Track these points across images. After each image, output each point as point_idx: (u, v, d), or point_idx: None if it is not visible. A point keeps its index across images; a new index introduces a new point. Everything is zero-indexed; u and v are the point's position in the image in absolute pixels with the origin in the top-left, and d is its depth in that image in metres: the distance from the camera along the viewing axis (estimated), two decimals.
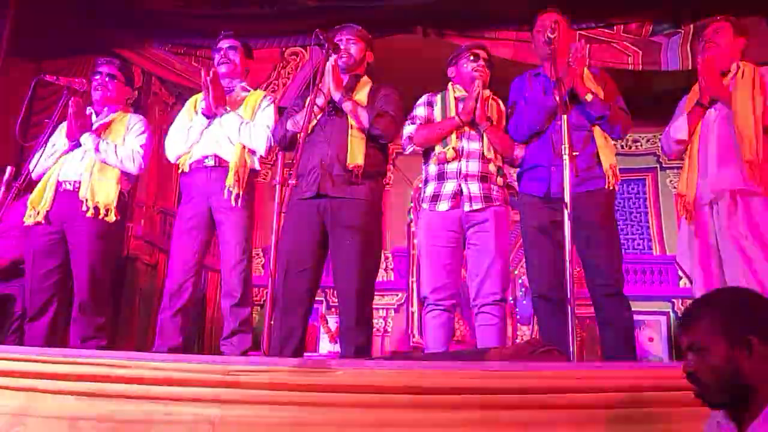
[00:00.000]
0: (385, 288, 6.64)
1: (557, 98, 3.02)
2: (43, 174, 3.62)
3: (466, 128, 3.32)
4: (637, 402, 2.09)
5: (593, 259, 3.11)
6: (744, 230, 2.97)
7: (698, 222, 3.17)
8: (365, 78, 3.44)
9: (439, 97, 3.49)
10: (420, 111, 3.49)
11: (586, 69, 3.30)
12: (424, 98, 3.53)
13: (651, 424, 2.06)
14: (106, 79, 3.76)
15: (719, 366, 1.54)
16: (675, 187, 5.49)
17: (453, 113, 3.37)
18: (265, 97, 3.66)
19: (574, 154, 2.75)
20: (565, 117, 2.77)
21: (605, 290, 3.07)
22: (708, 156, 3.15)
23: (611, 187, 3.15)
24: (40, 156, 3.49)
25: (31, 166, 3.38)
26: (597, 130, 3.21)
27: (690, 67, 4.24)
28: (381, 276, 5.58)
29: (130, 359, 2.35)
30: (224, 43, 3.65)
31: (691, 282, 3.28)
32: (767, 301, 1.62)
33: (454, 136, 3.31)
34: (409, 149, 3.48)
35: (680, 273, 6.12)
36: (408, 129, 3.44)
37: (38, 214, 3.51)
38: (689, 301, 2.06)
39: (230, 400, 2.20)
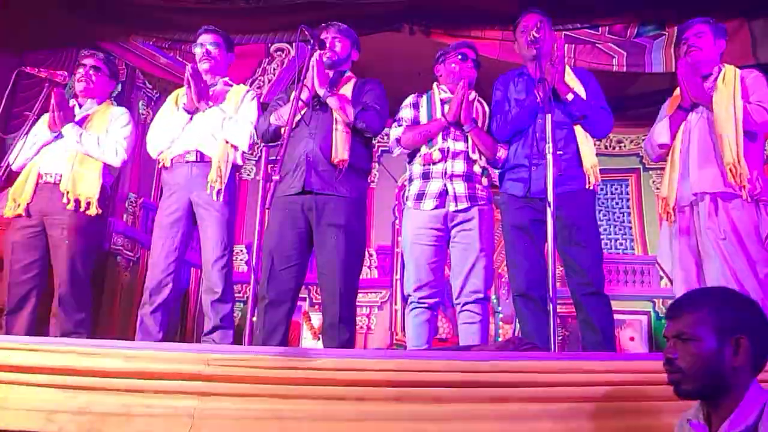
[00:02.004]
0: (368, 285, 6.65)
1: (540, 97, 3.05)
2: (24, 166, 3.58)
3: (452, 129, 3.34)
4: (620, 395, 2.12)
5: (574, 258, 3.12)
6: (724, 231, 3.01)
7: (679, 223, 3.21)
8: (349, 74, 3.44)
9: (424, 98, 3.50)
10: (406, 113, 3.49)
11: (568, 68, 3.32)
12: (409, 100, 3.54)
13: (632, 417, 2.08)
14: (90, 71, 3.72)
15: (704, 356, 1.56)
16: (658, 188, 5.53)
17: (438, 115, 3.38)
18: (248, 91, 3.63)
19: (558, 153, 2.77)
20: (549, 116, 2.78)
21: (585, 289, 3.09)
22: (689, 159, 3.18)
23: (592, 188, 3.18)
24: (21, 147, 3.45)
25: (11, 158, 3.34)
26: (578, 129, 3.22)
27: (672, 70, 4.27)
28: (365, 273, 5.58)
29: (109, 348, 2.33)
30: (205, 39, 3.60)
31: (671, 282, 3.32)
32: (759, 306, 1.64)
33: (440, 137, 3.33)
34: (396, 152, 3.49)
35: (661, 273, 6.18)
36: (395, 132, 3.45)
37: (18, 206, 3.47)
38: (669, 301, 2.09)
39: (210, 393, 2.20)
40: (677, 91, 3.30)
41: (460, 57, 3.43)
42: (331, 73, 3.34)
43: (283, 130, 2.83)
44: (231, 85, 3.65)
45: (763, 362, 1.60)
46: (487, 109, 3.48)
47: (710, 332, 1.56)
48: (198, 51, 3.61)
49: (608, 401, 2.10)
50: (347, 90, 3.33)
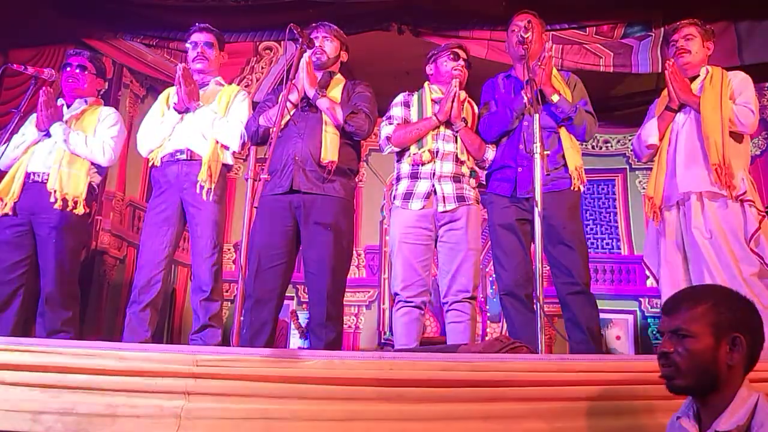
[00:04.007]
0: (356, 285, 6.63)
1: (526, 98, 3.06)
2: (12, 164, 3.56)
3: (442, 128, 3.34)
4: (607, 395, 2.12)
5: (559, 258, 3.14)
6: (709, 231, 3.04)
7: (665, 223, 3.23)
8: (339, 76, 3.44)
9: (415, 97, 3.50)
10: (396, 111, 3.49)
11: (555, 70, 3.33)
12: (400, 98, 3.54)
13: (620, 416, 2.09)
14: (77, 70, 3.71)
15: (700, 353, 1.56)
16: (644, 188, 5.56)
17: (429, 114, 3.38)
18: (239, 92, 3.63)
19: (545, 153, 2.78)
20: (537, 116, 2.80)
21: (571, 288, 3.12)
22: (676, 159, 3.21)
23: (576, 189, 3.19)
24: (7, 146, 3.43)
25: None
26: (563, 132, 3.24)
27: (659, 70, 4.29)
28: (352, 273, 5.56)
29: (96, 349, 2.32)
30: (200, 38, 3.59)
31: (657, 281, 3.34)
32: (755, 306, 1.65)
33: (430, 137, 3.33)
34: (387, 150, 3.48)
35: (647, 272, 6.22)
36: (386, 129, 3.45)
37: (5, 205, 3.46)
38: (656, 300, 2.11)
39: (197, 392, 2.19)
40: (665, 92, 3.33)
41: (452, 56, 3.44)
42: (320, 75, 3.34)
43: (272, 131, 2.83)
44: (223, 85, 3.65)
45: (754, 362, 1.61)
46: (476, 109, 3.49)
47: (707, 329, 1.57)
48: (192, 50, 3.59)
49: (597, 401, 2.11)
50: (337, 92, 3.33)
